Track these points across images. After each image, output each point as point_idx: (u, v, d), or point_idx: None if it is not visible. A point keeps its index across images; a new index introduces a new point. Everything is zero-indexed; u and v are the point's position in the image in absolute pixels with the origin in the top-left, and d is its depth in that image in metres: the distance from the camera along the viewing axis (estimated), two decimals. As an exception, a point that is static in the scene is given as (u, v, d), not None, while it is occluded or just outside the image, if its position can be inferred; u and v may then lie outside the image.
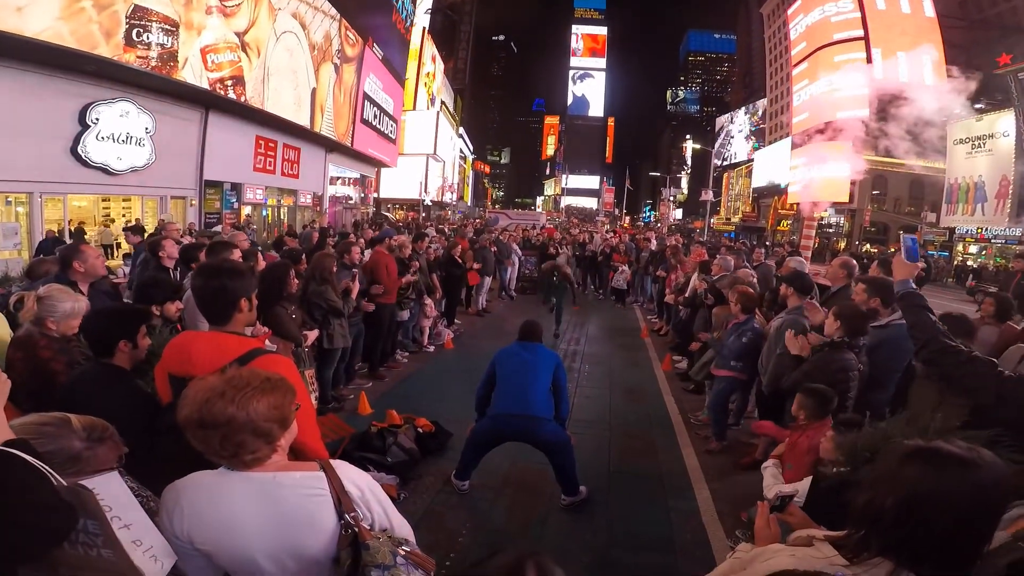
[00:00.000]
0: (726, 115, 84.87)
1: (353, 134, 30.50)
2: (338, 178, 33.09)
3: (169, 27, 15.16)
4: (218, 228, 16.01)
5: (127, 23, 13.81)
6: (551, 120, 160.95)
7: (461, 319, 12.59)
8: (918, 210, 47.53)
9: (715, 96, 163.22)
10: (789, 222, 54.80)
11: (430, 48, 49.86)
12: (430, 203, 48.23)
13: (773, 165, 59.35)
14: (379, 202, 43.10)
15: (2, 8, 10.85)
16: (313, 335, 5.77)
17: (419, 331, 9.97)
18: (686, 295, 9.62)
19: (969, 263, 38.65)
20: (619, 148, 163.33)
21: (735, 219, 71.83)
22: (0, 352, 3.39)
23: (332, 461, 1.83)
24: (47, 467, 1.46)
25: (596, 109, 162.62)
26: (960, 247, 41.00)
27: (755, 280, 8.04)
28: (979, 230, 38.55)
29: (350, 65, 28.89)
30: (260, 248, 9.01)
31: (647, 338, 12.26)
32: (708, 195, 49.43)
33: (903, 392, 4.33)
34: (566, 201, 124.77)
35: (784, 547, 1.74)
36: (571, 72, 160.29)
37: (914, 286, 3.09)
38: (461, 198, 69.86)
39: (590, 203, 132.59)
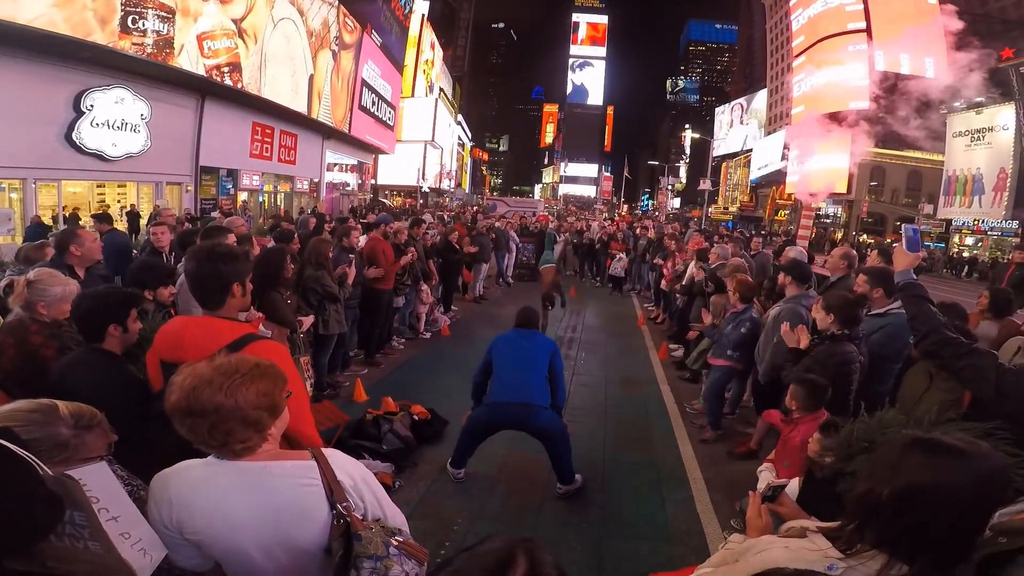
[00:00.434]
0: (724, 105, 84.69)
1: (351, 121, 30.44)
2: (335, 164, 33.03)
3: (165, 14, 15.09)
4: (215, 215, 15.97)
5: (122, 10, 13.76)
6: (550, 108, 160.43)
7: (458, 306, 12.58)
8: (915, 201, 47.60)
9: (715, 86, 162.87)
10: (787, 212, 54.82)
11: (429, 35, 49.70)
12: (428, 190, 48.20)
13: (772, 156, 59.24)
14: (376, 189, 43.02)
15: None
16: (309, 321, 5.74)
17: (415, 318, 9.95)
18: (683, 283, 9.60)
19: (965, 254, 38.79)
20: (618, 137, 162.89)
21: (733, 208, 71.80)
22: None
23: (324, 450, 1.80)
24: (33, 456, 1.43)
25: (595, 97, 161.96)
26: (956, 239, 41.09)
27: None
28: (976, 222, 38.67)
29: (348, 52, 28.79)
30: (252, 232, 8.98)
31: (644, 326, 12.26)
32: (706, 184, 49.46)
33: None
34: (564, 189, 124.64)
35: (777, 539, 1.73)
36: (571, 60, 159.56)
37: (915, 276, 3.07)
38: (459, 185, 69.77)
39: (588, 191, 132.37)
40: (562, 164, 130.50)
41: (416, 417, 5.96)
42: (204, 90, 18.76)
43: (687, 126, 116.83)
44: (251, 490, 1.64)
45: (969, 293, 14.68)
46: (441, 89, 55.24)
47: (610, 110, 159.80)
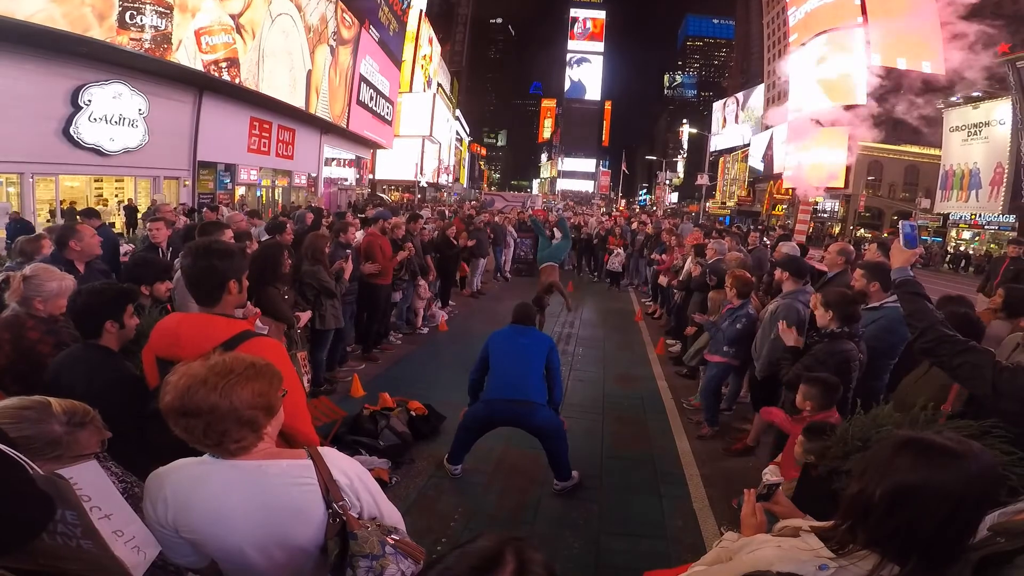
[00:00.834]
0: (720, 101, 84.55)
1: (349, 116, 30.41)
2: (333, 159, 32.99)
3: (163, 9, 15.08)
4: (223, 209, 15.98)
5: (120, 5, 13.75)
6: (548, 103, 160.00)
7: (455, 301, 12.58)
8: (913, 196, 47.66)
9: (713, 81, 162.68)
10: (784, 207, 54.81)
11: (427, 30, 49.60)
12: (426, 185, 48.16)
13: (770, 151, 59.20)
14: (375, 183, 42.98)
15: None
16: (306, 316, 5.74)
17: (413, 313, 9.94)
18: (680, 278, 9.60)
19: (962, 249, 38.88)
20: (616, 132, 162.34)
21: (731, 203, 71.78)
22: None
23: (320, 449, 1.80)
24: (22, 456, 1.43)
25: (593, 93, 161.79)
26: (954, 233, 41.15)
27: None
28: (973, 216, 38.73)
29: (346, 47, 28.75)
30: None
31: (641, 321, 12.27)
32: (704, 179, 49.49)
33: (899, 379, 4.33)
34: (562, 185, 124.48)
35: (770, 538, 1.73)
36: (568, 56, 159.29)
37: (911, 273, 3.07)
38: (457, 180, 69.70)
39: (586, 186, 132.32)
40: (559, 159, 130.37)
41: (413, 413, 5.96)
42: (202, 85, 18.76)
43: (685, 121, 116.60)
44: (247, 489, 1.64)
45: (966, 288, 14.70)
46: (439, 84, 55.18)
47: (608, 105, 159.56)
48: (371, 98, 34.24)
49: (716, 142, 76.96)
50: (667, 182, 76.67)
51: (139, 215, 15.49)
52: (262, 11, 20.05)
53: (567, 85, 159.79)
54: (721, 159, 78.29)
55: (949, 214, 41.05)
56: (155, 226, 6.40)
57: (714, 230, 14.00)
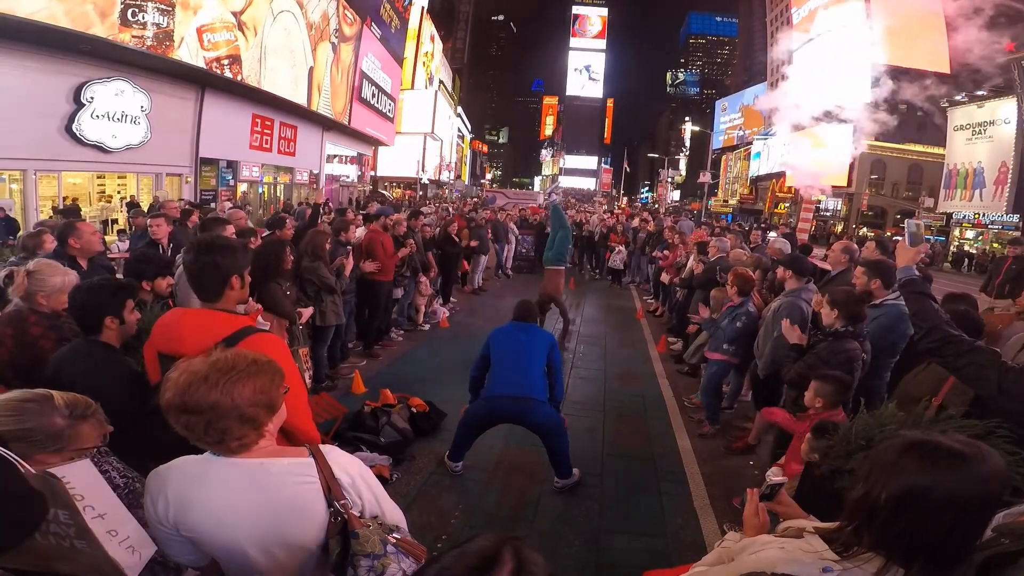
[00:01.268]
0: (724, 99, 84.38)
1: (350, 113, 30.38)
2: (335, 156, 33.00)
3: (165, 7, 15.06)
4: (227, 204, 16.00)
5: (122, 3, 13.74)
6: (550, 100, 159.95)
7: (457, 297, 12.58)
8: (916, 195, 47.56)
9: (715, 79, 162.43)
10: (787, 205, 54.73)
11: (429, 27, 49.57)
12: (427, 182, 48.16)
13: (772, 150, 59.04)
14: (376, 180, 42.99)
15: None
16: (308, 312, 5.73)
17: (414, 309, 9.94)
18: (683, 276, 9.58)
19: (965, 248, 38.84)
20: (618, 129, 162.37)
21: (733, 201, 71.67)
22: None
23: (322, 446, 1.79)
24: (12, 454, 1.42)
25: (595, 90, 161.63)
26: (957, 232, 41.09)
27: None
28: (976, 216, 38.65)
29: (348, 44, 28.73)
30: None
31: (642, 319, 12.26)
32: (706, 177, 49.44)
33: (900, 378, 4.31)
34: (565, 182, 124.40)
35: (773, 539, 1.72)
36: (570, 53, 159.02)
37: (917, 273, 3.06)
38: (458, 177, 69.68)
39: (588, 183, 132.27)
40: (561, 157, 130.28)
41: (414, 410, 5.96)
42: (204, 82, 18.74)
43: (687, 119, 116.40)
44: (248, 487, 1.63)
45: (969, 287, 14.67)
46: (441, 81, 55.13)
47: (610, 103, 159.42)
48: (373, 95, 34.21)
49: (718, 139, 76.76)
50: (669, 180, 76.45)
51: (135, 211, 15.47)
52: (264, 8, 20.03)
53: (569, 83, 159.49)
54: (723, 157, 78.14)
55: (952, 213, 40.97)
56: (155, 222, 6.39)
57: (714, 227, 14.01)
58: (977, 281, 16.48)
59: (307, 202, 21.04)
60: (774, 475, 3.63)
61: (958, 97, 39.12)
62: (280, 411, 1.74)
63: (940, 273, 31.14)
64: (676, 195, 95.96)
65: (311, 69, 24.64)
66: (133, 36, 14.22)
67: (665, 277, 11.17)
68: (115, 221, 16.89)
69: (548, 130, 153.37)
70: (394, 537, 1.71)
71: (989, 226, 37.68)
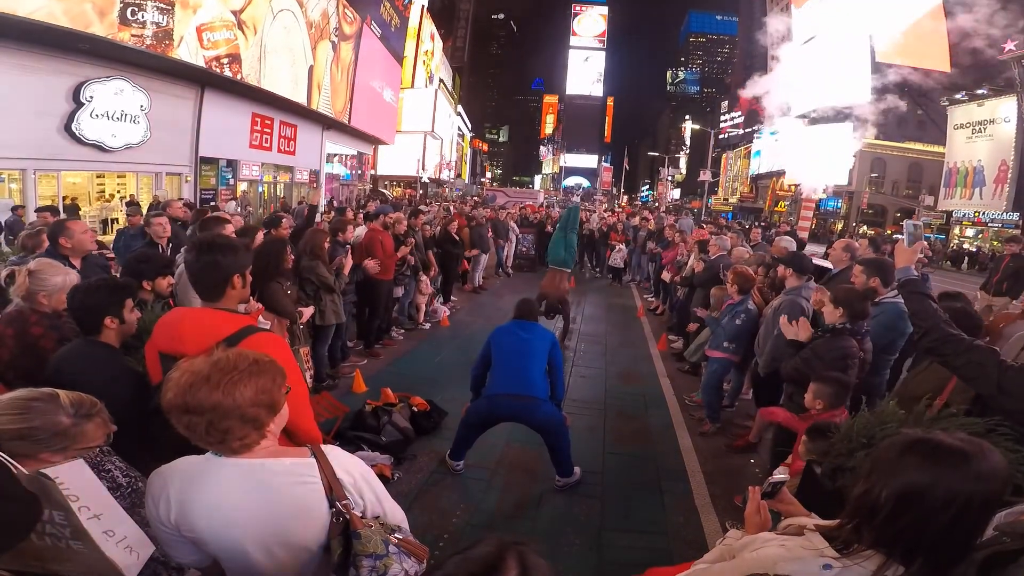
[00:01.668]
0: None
1: (350, 111, 30.34)
2: (335, 155, 32.98)
3: (164, 6, 15.04)
4: (232, 204, 16.03)
5: (121, 2, 13.71)
6: (550, 99, 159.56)
7: (457, 296, 12.58)
8: (916, 193, 47.55)
9: (715, 78, 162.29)
10: (787, 203, 54.72)
11: (429, 26, 49.50)
12: (427, 180, 48.13)
13: (772, 150, 58.98)
14: (376, 179, 42.97)
15: (-5, -12, 10.80)
16: (309, 311, 5.73)
17: (415, 308, 9.94)
18: (684, 274, 9.58)
19: (965, 246, 38.85)
20: (618, 128, 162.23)
21: (733, 199, 71.71)
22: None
23: (324, 447, 1.79)
24: (5, 456, 1.42)
25: (595, 89, 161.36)
26: (957, 230, 41.10)
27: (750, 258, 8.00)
28: (976, 214, 38.67)
29: (348, 43, 28.70)
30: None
31: (643, 317, 12.26)
32: (707, 175, 49.40)
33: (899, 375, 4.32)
34: (568, 181, 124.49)
35: (774, 536, 1.72)
36: (570, 52, 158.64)
37: (915, 272, 3.06)
38: (458, 176, 69.66)
39: (586, 182, 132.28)
40: (561, 155, 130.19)
41: (415, 408, 5.96)
42: (204, 81, 18.72)
43: (687, 117, 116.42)
44: (250, 487, 1.63)
45: (967, 285, 14.68)
46: (441, 80, 55.08)
47: (610, 101, 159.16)
48: (372, 94, 34.21)
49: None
50: (669, 178, 76.44)
51: (142, 211, 15.46)
52: (264, 7, 20.01)
53: (569, 81, 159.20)
54: (724, 155, 78.17)
55: (952, 211, 40.98)
56: (158, 221, 6.38)
57: (714, 224, 14.01)
58: (976, 279, 16.48)
59: (305, 200, 21.03)
60: (779, 474, 3.64)
61: (958, 96, 39.13)
62: (282, 411, 1.74)
63: (939, 271, 31.13)
64: (676, 193, 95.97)
65: (311, 68, 24.61)
66: (132, 35, 14.20)
67: (666, 275, 11.16)
68: (115, 220, 16.88)
69: (548, 129, 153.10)
70: (396, 537, 1.71)
71: (989, 224, 37.69)
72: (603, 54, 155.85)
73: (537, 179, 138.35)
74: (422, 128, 45.62)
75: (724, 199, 75.28)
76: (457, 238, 11.60)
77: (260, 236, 5.92)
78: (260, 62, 20.23)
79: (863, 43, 40.11)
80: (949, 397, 3.10)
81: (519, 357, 4.79)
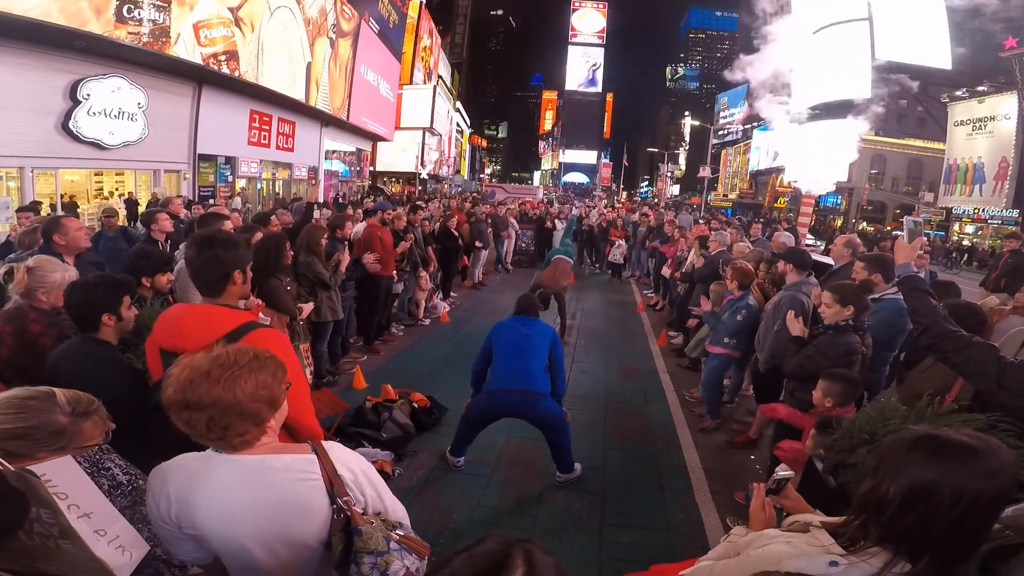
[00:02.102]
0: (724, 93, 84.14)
1: (349, 108, 30.34)
2: (334, 151, 32.97)
3: (161, 3, 15.04)
4: (237, 200, 16.02)
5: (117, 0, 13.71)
6: (549, 95, 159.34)
7: (457, 292, 12.59)
8: (916, 190, 47.48)
9: (715, 74, 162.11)
10: (786, 199, 54.68)
11: (427, 22, 49.45)
12: (426, 177, 48.11)
13: (771, 146, 58.89)
14: (375, 175, 42.98)
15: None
16: (308, 308, 5.71)
17: (414, 304, 9.93)
18: (683, 271, 9.58)
19: (965, 243, 38.86)
20: (617, 124, 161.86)
21: (732, 195, 71.61)
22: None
23: (324, 443, 1.78)
24: None
25: (595, 84, 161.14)
26: (957, 227, 41.10)
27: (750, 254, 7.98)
28: (976, 211, 38.67)
29: (346, 39, 28.68)
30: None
31: (643, 313, 12.26)
32: (706, 172, 49.36)
33: (898, 372, 4.30)
34: (568, 178, 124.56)
35: (780, 533, 1.71)
36: (570, 48, 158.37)
37: (915, 269, 3.05)
38: (457, 172, 69.64)
39: (584, 179, 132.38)
40: (560, 151, 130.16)
41: (415, 405, 5.97)
42: (201, 78, 18.74)
43: (687, 113, 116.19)
44: (250, 484, 1.62)
45: (969, 281, 14.67)
46: (440, 76, 55.03)
47: (609, 97, 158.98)
48: (371, 90, 34.20)
49: (725, 135, 76.61)
50: (669, 174, 76.46)
51: (140, 208, 15.46)
52: (261, 4, 20.00)
53: (568, 77, 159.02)
54: (723, 151, 78.05)
55: (952, 208, 40.99)
56: (160, 217, 6.35)
57: (714, 220, 13.99)
58: (975, 275, 16.48)
59: (298, 197, 21.06)
60: (782, 470, 3.62)
61: (958, 92, 39.10)
62: (282, 407, 1.73)
63: (936, 267, 31.12)
64: (676, 189, 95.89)
65: (309, 64, 24.61)
66: (129, 33, 14.21)
67: (666, 271, 11.16)
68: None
69: (547, 125, 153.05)
70: (397, 534, 1.70)
71: (989, 221, 37.70)
72: (602, 50, 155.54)
73: (536, 175, 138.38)
74: (421, 124, 45.60)
75: (724, 195, 75.17)
76: (457, 234, 11.59)
77: (259, 235, 5.91)
78: (257, 59, 20.24)
79: (863, 37, 40.01)
80: (958, 395, 3.09)
81: (519, 353, 4.78)
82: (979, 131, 37.95)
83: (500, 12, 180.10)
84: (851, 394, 3.75)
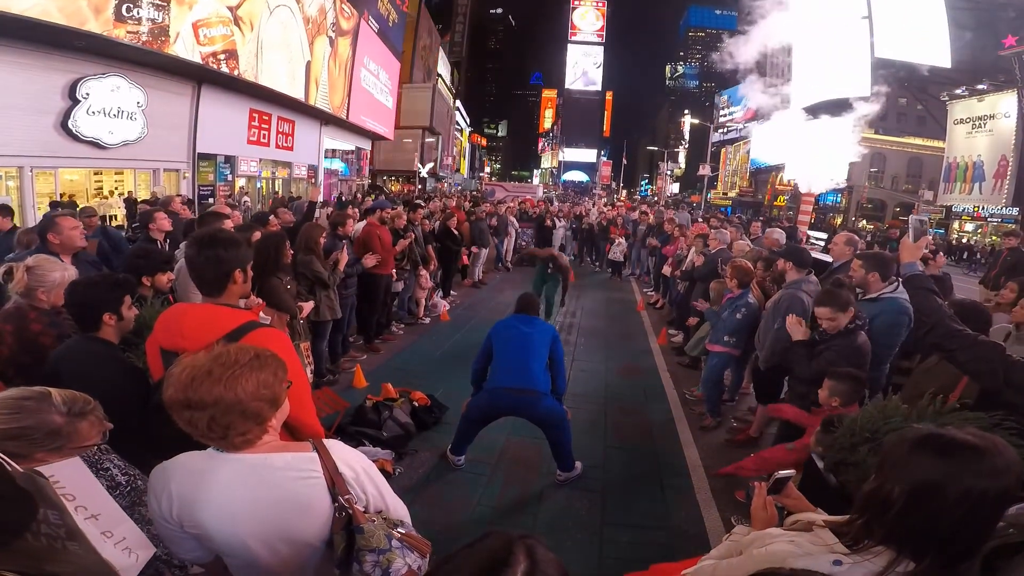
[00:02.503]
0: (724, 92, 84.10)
1: (348, 107, 30.32)
2: (333, 150, 32.97)
3: (160, 2, 15.02)
4: (243, 199, 16.02)
5: (116, -2, 13.71)
6: (549, 93, 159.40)
7: (457, 291, 12.59)
8: (916, 188, 47.46)
9: (714, 72, 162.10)
10: (786, 197, 54.65)
11: (427, 21, 49.47)
12: (426, 175, 48.12)
13: (770, 143, 58.82)
14: (375, 174, 42.98)
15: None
16: (309, 307, 5.70)
17: (414, 303, 9.93)
18: (683, 269, 9.57)
19: (964, 241, 38.85)
20: (617, 122, 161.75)
21: (732, 193, 71.56)
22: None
23: (326, 441, 1.78)
24: (0, 454, 1.40)
25: (594, 83, 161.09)
26: (956, 225, 41.10)
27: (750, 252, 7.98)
28: (976, 209, 38.66)
29: (345, 38, 28.66)
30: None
31: (643, 311, 12.26)
32: (706, 170, 49.38)
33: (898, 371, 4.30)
34: (568, 177, 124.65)
35: (783, 532, 1.70)
36: (569, 46, 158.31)
37: (920, 268, 3.04)
38: (457, 170, 69.66)
39: (584, 177, 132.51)
40: (560, 149, 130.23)
41: (416, 403, 5.97)
42: (200, 77, 18.71)
43: (687, 111, 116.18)
44: (252, 483, 1.61)
45: (969, 279, 14.69)
46: (439, 75, 55.05)
47: (609, 95, 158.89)
48: (371, 89, 34.20)
49: (725, 133, 76.56)
50: (669, 173, 76.50)
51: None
52: (260, 3, 19.98)
53: (568, 76, 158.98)
54: (723, 149, 78.01)
55: (952, 206, 40.98)
56: (161, 216, 6.34)
57: (713, 218, 13.98)
58: (976, 274, 16.49)
59: (290, 197, 21.04)
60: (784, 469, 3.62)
61: (958, 91, 39.09)
62: (284, 406, 1.73)
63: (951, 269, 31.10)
64: (675, 188, 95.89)
65: (308, 63, 24.59)
66: (128, 32, 14.19)
67: (666, 269, 11.15)
68: (113, 217, 16.85)
69: (547, 123, 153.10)
70: (399, 532, 1.70)
71: (988, 219, 37.69)
72: (601, 48, 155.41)
73: (536, 173, 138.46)
74: (420, 123, 45.62)
75: (723, 193, 75.14)
76: (457, 233, 11.59)
77: (258, 234, 5.90)
78: (257, 58, 20.22)
79: (863, 35, 39.98)
80: (963, 393, 3.08)
81: (520, 351, 4.78)
82: (979, 129, 37.93)
83: (500, 10, 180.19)
84: (857, 393, 3.75)
